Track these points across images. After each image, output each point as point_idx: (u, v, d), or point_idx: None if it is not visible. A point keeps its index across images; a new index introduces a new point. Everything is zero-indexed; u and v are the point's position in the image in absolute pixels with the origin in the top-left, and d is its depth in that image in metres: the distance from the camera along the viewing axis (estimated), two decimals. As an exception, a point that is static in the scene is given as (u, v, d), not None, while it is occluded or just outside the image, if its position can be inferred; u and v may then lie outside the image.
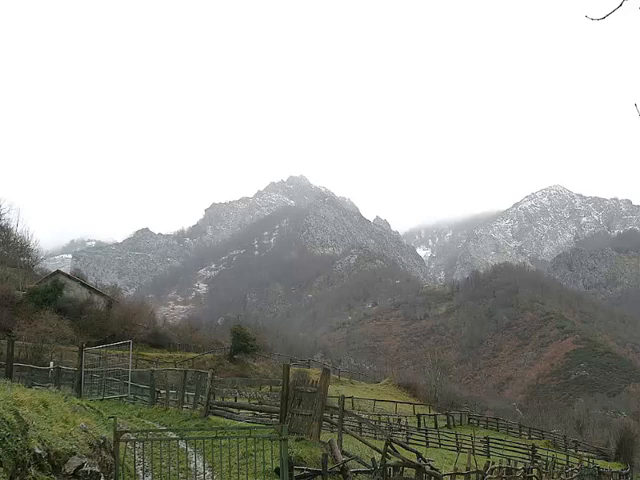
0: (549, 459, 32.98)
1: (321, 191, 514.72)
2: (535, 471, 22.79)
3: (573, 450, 51.00)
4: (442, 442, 38.48)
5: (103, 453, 8.39)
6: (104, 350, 31.81)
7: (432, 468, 13.96)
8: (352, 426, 30.31)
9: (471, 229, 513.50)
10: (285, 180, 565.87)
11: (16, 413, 6.67)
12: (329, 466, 12.01)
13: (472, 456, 19.31)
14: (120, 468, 8.83)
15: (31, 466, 6.52)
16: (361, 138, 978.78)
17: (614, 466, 42.61)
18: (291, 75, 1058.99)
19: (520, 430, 55.56)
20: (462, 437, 39.39)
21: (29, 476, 6.41)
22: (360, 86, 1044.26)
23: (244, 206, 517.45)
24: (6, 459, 6.07)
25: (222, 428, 11.21)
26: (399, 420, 43.56)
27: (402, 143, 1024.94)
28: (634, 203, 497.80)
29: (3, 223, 78.68)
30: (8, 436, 6.23)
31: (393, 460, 13.62)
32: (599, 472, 32.68)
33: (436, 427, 46.57)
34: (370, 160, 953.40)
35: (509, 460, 23.60)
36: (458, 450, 32.71)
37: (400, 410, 54.52)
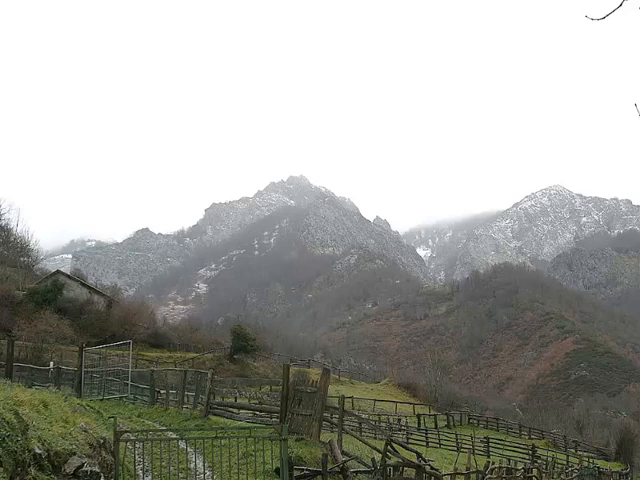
0: (549, 459, 32.96)
1: (321, 191, 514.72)
2: (535, 471, 22.79)
3: (573, 450, 50.97)
4: (442, 442, 38.47)
5: (103, 453, 8.38)
6: (104, 350, 31.80)
7: (432, 468, 13.95)
8: (352, 426, 30.30)
9: (471, 229, 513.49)
10: (285, 180, 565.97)
11: (16, 413, 6.67)
12: (329, 466, 12.00)
13: (472, 456, 19.29)
14: (120, 468, 8.82)
15: (31, 466, 6.51)
16: (361, 138, 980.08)
17: (614, 466, 42.59)
18: (291, 75, 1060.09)
19: (520, 430, 55.53)
20: (462, 437, 39.37)
21: (29, 476, 6.40)
22: (360, 86, 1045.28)
23: (244, 206, 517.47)
24: (6, 459, 6.07)
25: (222, 428, 11.21)
26: (399, 420, 43.54)
27: (402, 143, 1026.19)
28: (634, 203, 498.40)
29: (3, 223, 78.74)
30: (8, 436, 6.22)
31: (393, 460, 13.61)
32: (599, 472, 32.68)
33: (436, 427, 46.55)
34: (370, 160, 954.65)
35: (509, 460, 23.59)
36: (458, 450, 32.70)
37: (400, 410, 54.50)
